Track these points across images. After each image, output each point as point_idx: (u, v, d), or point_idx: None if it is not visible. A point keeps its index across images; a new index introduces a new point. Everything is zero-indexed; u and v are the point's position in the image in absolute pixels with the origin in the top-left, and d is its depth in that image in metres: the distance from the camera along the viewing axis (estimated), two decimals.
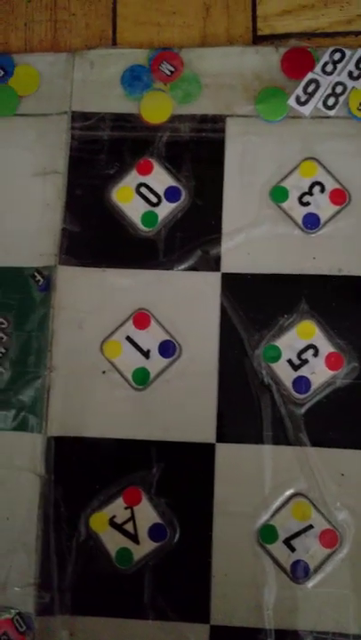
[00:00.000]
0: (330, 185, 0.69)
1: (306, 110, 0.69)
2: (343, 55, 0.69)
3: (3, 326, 0.70)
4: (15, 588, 0.67)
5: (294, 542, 0.64)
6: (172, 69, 0.72)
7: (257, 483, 0.67)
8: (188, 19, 0.76)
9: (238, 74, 0.73)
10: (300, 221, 0.68)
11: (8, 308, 0.71)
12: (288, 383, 0.67)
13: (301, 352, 0.67)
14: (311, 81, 0.69)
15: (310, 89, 0.69)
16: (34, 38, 0.76)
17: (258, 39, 0.72)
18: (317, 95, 0.69)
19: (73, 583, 0.67)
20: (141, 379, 0.69)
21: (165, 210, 0.72)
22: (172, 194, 0.71)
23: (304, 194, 0.68)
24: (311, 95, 0.69)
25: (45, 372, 0.69)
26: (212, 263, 0.69)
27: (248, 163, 0.72)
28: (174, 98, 0.73)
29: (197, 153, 0.72)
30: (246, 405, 0.68)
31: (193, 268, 0.69)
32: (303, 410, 0.66)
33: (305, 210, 0.68)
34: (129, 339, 0.70)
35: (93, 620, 0.66)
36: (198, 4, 0.75)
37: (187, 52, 0.73)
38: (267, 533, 0.65)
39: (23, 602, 0.67)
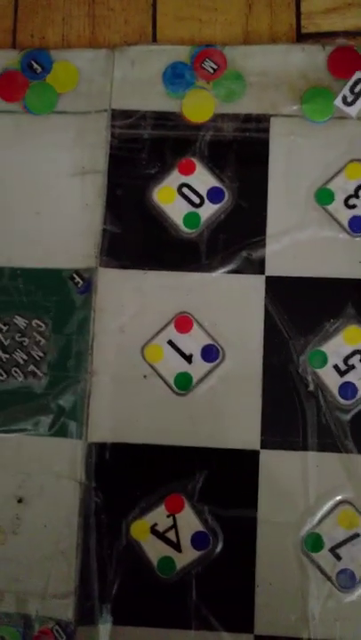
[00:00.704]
0: None
1: (352, 111, 0.67)
2: None
3: (41, 329, 0.68)
4: (54, 596, 0.65)
5: (340, 551, 0.63)
6: (216, 67, 0.70)
7: (302, 490, 0.65)
8: (230, 15, 0.74)
9: (284, 72, 0.71)
10: (345, 224, 0.66)
11: (46, 311, 0.69)
12: (334, 389, 0.66)
13: (348, 357, 0.65)
14: (358, 81, 0.67)
15: (357, 89, 0.67)
16: (72, 34, 0.75)
17: (302, 37, 0.71)
18: None
19: (114, 592, 0.65)
20: (184, 384, 0.67)
21: (208, 211, 0.70)
22: (215, 195, 0.70)
23: (350, 196, 0.67)
24: (358, 95, 0.67)
25: (86, 377, 0.67)
26: (256, 266, 0.68)
27: (293, 164, 0.70)
28: (217, 96, 0.71)
29: (241, 153, 0.70)
30: (291, 411, 0.66)
31: (236, 271, 0.68)
32: (349, 416, 0.65)
33: (351, 213, 0.66)
34: (171, 343, 0.68)
35: (135, 629, 0.64)
36: (240, 0, 0.71)
37: (230, 50, 0.71)
38: (312, 542, 0.63)
39: (63, 611, 0.65)
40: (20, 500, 0.66)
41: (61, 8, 0.75)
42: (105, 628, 0.64)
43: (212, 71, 0.70)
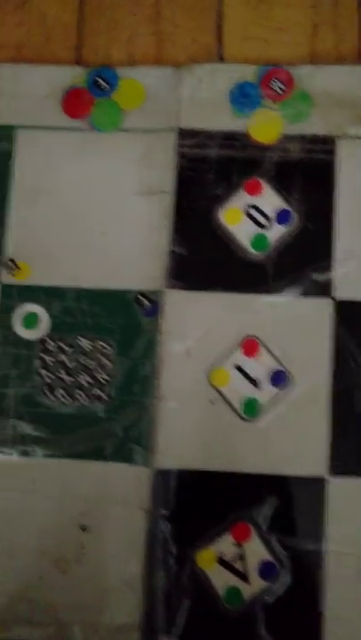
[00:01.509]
0: None
1: None
2: None
3: (106, 351, 0.66)
4: (120, 628, 0.64)
5: None
6: (283, 87, 0.69)
7: None
8: (296, 35, 0.73)
9: (349, 93, 0.70)
10: None
11: (111, 333, 0.68)
12: None
13: None
14: None
15: None
16: (137, 51, 0.74)
17: None
18: None
19: (180, 624, 0.64)
20: (251, 409, 0.66)
21: (276, 233, 0.69)
22: (282, 216, 0.69)
23: None
24: None
25: (153, 402, 0.66)
26: (324, 289, 0.66)
27: (360, 185, 0.66)
28: (285, 117, 0.70)
29: (308, 174, 0.69)
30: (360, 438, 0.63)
31: (304, 294, 0.67)
32: None
33: None
34: (238, 367, 0.66)
35: None
36: (306, 20, 0.72)
37: (298, 70, 0.71)
38: None
39: None
40: (84, 529, 0.65)
41: (127, 26, 0.74)
42: None
43: (279, 91, 0.69)
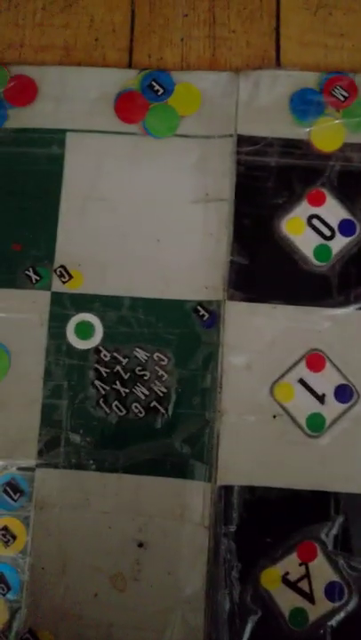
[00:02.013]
0: None
1: None
2: None
3: (163, 363, 0.84)
4: None
5: None
6: (346, 95, 0.88)
7: None
8: (358, 41, 0.91)
9: None
10: None
11: (168, 344, 0.84)
12: None
13: None
14: None
15: None
16: (191, 55, 0.92)
17: None
18: None
19: None
20: (316, 425, 0.83)
21: (339, 244, 0.86)
22: (346, 227, 0.86)
23: None
24: None
25: (214, 415, 0.82)
26: None
27: None
28: (347, 125, 0.88)
29: None
30: None
31: None
32: None
33: None
34: (302, 381, 0.84)
35: None
36: None
37: (360, 77, 0.88)
38: None
39: None
40: (140, 545, 0.81)
41: (180, 28, 0.92)
42: None
43: (342, 99, 0.89)
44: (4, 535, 0.82)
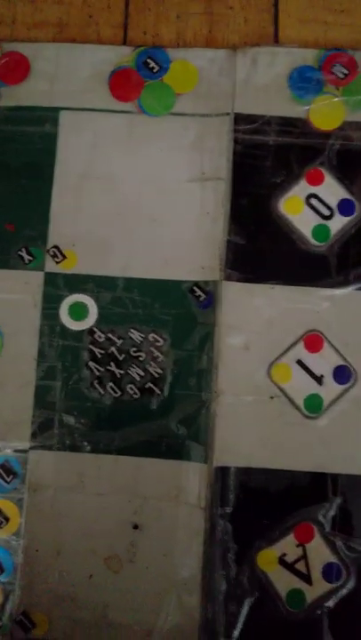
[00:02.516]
0: None
1: None
2: None
3: (158, 344, 0.95)
4: (176, 630, 0.89)
5: None
6: (346, 72, 0.99)
7: None
8: (357, 18, 1.02)
9: None
10: None
11: (164, 325, 0.95)
12: None
13: None
14: None
15: None
16: (187, 32, 1.03)
17: None
18: None
19: (240, 627, 0.89)
20: (314, 406, 0.94)
21: (338, 223, 0.97)
22: (345, 207, 0.97)
23: None
24: None
25: (210, 396, 0.93)
26: None
27: None
28: (347, 103, 0.99)
29: None
30: None
31: None
32: None
33: None
34: (300, 362, 0.95)
35: None
36: None
37: None
38: None
39: None
40: (135, 527, 0.92)
41: (176, 4, 1.03)
42: None
43: (342, 76, 0.99)
44: None
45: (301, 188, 0.98)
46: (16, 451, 0.94)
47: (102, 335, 0.96)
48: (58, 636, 0.90)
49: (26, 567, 0.92)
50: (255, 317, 0.95)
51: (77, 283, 0.97)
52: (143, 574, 0.91)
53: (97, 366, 0.96)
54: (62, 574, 0.91)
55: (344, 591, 0.91)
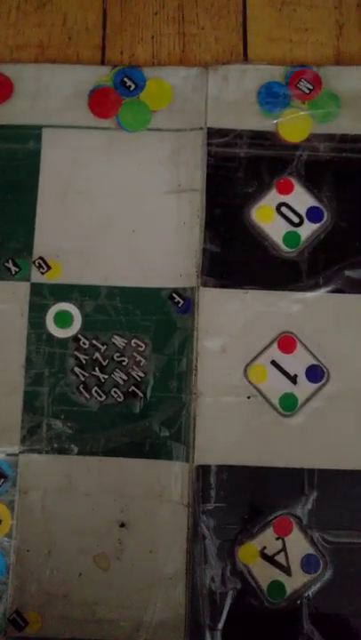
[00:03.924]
0: None
1: None
2: None
3: (140, 349, 0.85)
4: (163, 624, 0.80)
5: None
6: (311, 87, 0.90)
7: None
8: (321, 36, 0.93)
9: None
10: None
11: (145, 331, 0.86)
12: None
13: None
14: None
15: None
16: (162, 51, 0.93)
17: None
18: None
19: (224, 618, 0.80)
20: (289, 404, 0.84)
21: (308, 230, 0.88)
22: (314, 214, 0.88)
23: None
24: None
25: (190, 398, 0.83)
26: (358, 286, 0.86)
27: None
28: (313, 117, 0.90)
29: (338, 173, 0.88)
30: None
31: (339, 291, 0.85)
32: None
33: None
34: (274, 363, 0.85)
35: None
36: (331, 21, 0.93)
37: (325, 71, 0.90)
38: None
39: (172, 639, 0.80)
40: (122, 525, 0.82)
41: (150, 26, 0.94)
42: None
43: (307, 91, 0.91)
44: None
45: (272, 198, 0.90)
46: (7, 454, 0.84)
47: (87, 342, 0.87)
48: (50, 633, 0.81)
49: (18, 567, 0.82)
50: (231, 321, 0.87)
51: (62, 292, 0.88)
52: (130, 571, 0.82)
53: (82, 372, 0.86)
54: (53, 573, 0.82)
55: (322, 581, 0.83)
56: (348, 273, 0.87)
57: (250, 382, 0.86)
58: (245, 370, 0.86)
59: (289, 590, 0.82)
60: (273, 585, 0.82)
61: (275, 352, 0.86)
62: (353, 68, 0.92)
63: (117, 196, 0.89)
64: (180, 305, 0.87)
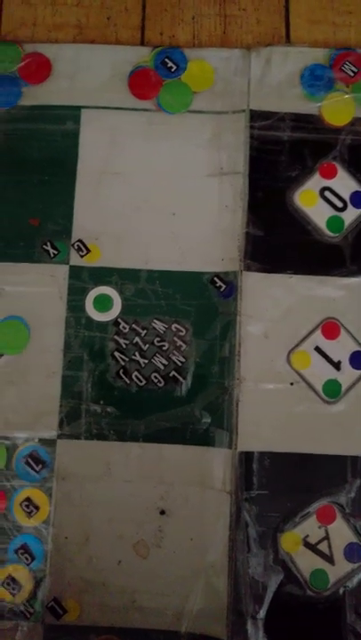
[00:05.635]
0: None
1: None
2: None
3: (181, 334, 0.85)
4: (204, 613, 0.79)
5: None
6: (355, 70, 0.90)
7: None
8: None
9: None
10: None
11: (186, 315, 0.86)
12: None
13: None
14: None
15: None
16: (202, 33, 0.93)
17: None
18: None
19: (266, 607, 0.80)
20: (333, 391, 0.84)
21: (352, 215, 0.88)
22: (357, 199, 0.88)
23: None
24: None
25: (233, 383, 0.83)
26: None
27: None
28: (357, 100, 0.89)
29: None
30: None
31: None
32: None
33: None
34: (318, 349, 0.85)
35: None
36: None
37: None
38: None
39: (213, 628, 0.79)
40: (162, 512, 0.82)
41: (191, 6, 0.93)
42: None
43: (352, 74, 0.90)
44: (27, 506, 0.83)
45: (315, 182, 0.90)
46: (44, 440, 0.84)
47: (127, 326, 0.87)
48: (89, 621, 0.81)
49: (55, 554, 0.82)
50: (274, 306, 0.87)
51: (101, 275, 0.87)
52: (171, 559, 0.82)
53: (122, 356, 0.86)
54: (91, 560, 0.82)
55: None
56: None
57: (293, 368, 0.85)
58: (288, 356, 0.86)
59: (332, 579, 0.81)
60: (316, 574, 0.81)
61: (318, 338, 0.86)
62: None
63: (157, 178, 0.89)
64: (222, 289, 0.86)
